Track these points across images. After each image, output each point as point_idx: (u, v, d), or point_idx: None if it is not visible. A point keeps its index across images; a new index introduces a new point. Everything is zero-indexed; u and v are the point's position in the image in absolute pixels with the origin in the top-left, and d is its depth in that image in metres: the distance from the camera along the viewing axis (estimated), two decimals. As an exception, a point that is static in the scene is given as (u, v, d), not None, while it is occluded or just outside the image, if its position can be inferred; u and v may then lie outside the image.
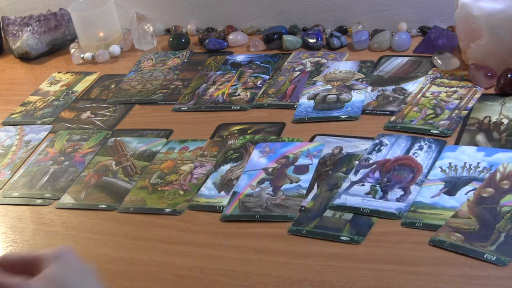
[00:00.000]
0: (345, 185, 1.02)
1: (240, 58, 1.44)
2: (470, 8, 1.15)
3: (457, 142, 1.06)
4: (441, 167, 1.01)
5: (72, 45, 1.61)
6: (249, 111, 1.27)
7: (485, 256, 0.86)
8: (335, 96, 1.24)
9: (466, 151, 1.03)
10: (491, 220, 0.90)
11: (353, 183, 1.02)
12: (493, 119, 1.09)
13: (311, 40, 1.42)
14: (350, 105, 1.20)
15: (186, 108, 1.31)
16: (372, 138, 1.11)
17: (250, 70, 1.38)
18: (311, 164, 1.08)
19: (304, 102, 1.24)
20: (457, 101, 1.15)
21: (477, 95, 1.16)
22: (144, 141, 1.24)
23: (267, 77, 1.35)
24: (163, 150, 1.20)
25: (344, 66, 1.32)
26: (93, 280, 0.67)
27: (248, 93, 1.31)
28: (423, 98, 1.18)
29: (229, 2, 1.55)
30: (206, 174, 1.12)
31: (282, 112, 1.24)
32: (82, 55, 1.56)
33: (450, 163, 1.01)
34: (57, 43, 1.63)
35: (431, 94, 1.18)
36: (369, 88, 1.24)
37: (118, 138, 1.26)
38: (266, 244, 0.96)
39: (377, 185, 1.01)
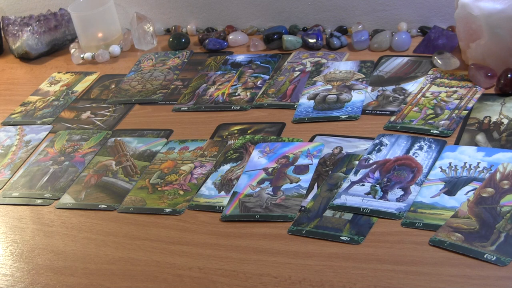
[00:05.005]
0: (345, 185, 1.02)
1: (240, 58, 1.44)
2: (470, 8, 1.15)
3: (457, 142, 1.06)
4: (441, 167, 1.01)
5: (72, 45, 1.61)
6: (249, 111, 1.27)
7: (485, 256, 0.86)
8: (335, 96, 1.24)
9: (466, 151, 1.03)
10: (491, 220, 0.90)
11: (353, 183, 1.02)
12: (493, 119, 1.09)
13: (311, 40, 1.42)
14: (350, 105, 1.20)
15: (186, 108, 1.31)
16: (372, 138, 1.11)
17: (250, 70, 1.38)
18: (311, 164, 1.08)
19: (304, 102, 1.24)
20: (457, 101, 1.15)
21: (477, 95, 1.16)
22: (144, 141, 1.24)
23: (267, 77, 1.35)
24: (163, 150, 1.20)
25: (344, 66, 1.32)
26: None
27: (248, 93, 1.31)
28: (423, 98, 1.18)
29: (229, 2, 1.55)
30: (206, 174, 1.12)
31: (282, 112, 1.24)
32: (82, 55, 1.56)
33: (450, 163, 1.01)
34: (57, 43, 1.63)
35: (431, 94, 1.18)
36: (369, 88, 1.24)
37: (118, 138, 1.26)
38: (266, 244, 0.96)
39: (377, 185, 1.01)
